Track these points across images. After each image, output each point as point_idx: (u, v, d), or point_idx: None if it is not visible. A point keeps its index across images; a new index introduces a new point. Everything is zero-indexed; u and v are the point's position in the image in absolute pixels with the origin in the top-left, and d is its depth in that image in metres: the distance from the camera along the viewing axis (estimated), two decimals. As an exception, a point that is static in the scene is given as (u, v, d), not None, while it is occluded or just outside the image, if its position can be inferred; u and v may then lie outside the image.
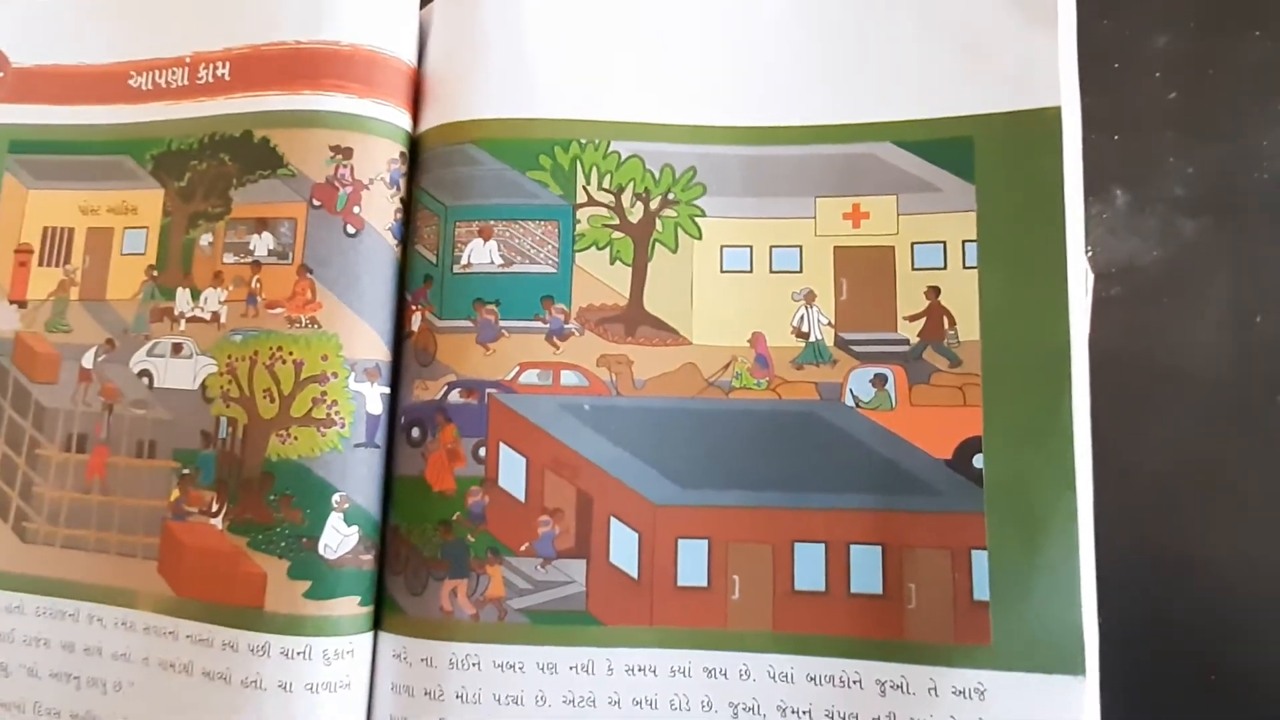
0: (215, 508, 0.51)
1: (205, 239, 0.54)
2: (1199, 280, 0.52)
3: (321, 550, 0.49)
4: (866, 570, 0.47)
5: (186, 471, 0.52)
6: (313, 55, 0.53)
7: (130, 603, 0.52)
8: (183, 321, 0.54)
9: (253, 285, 0.53)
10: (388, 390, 0.52)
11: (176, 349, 0.54)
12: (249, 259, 0.53)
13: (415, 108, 0.55)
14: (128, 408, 0.54)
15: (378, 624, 0.50)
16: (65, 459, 0.54)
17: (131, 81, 0.56)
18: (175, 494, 0.52)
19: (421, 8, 0.55)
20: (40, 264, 0.56)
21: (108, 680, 0.51)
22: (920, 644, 0.46)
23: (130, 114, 0.56)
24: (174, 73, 0.56)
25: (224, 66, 0.55)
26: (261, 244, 0.53)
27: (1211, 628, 0.50)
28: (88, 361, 0.55)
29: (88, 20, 0.58)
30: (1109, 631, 0.46)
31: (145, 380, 0.54)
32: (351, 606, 0.49)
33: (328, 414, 0.50)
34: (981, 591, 0.46)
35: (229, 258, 0.53)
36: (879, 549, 0.47)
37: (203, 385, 0.53)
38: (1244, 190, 0.53)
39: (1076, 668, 0.44)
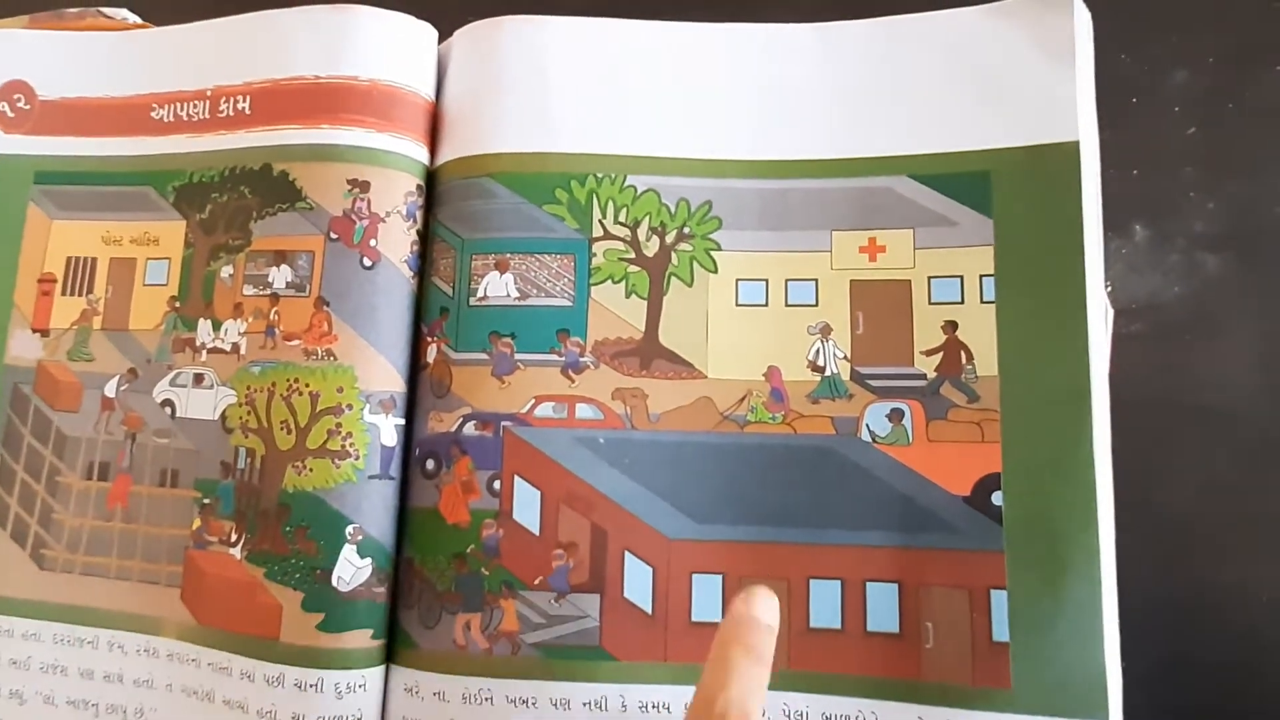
0: (234, 538, 0.49)
1: (226, 270, 0.52)
2: (1222, 316, 0.50)
3: (335, 582, 0.47)
4: (883, 608, 0.45)
5: (207, 501, 0.50)
6: (332, 90, 0.51)
7: (154, 630, 0.50)
8: (204, 352, 0.52)
9: (271, 317, 0.51)
10: (402, 422, 0.50)
11: (198, 379, 0.52)
12: (268, 291, 0.51)
13: (432, 141, 0.53)
14: (150, 437, 0.52)
15: (389, 657, 0.48)
16: (86, 487, 0.52)
17: (153, 113, 0.55)
18: (197, 523, 0.50)
19: (440, 43, 0.53)
20: (63, 293, 0.54)
21: (129, 706, 0.49)
22: (938, 685, 0.43)
23: (152, 146, 0.55)
24: (195, 105, 0.54)
25: (244, 100, 0.53)
26: (280, 276, 0.51)
27: (1237, 671, 0.47)
28: (110, 390, 0.53)
29: (111, 53, 0.56)
30: (1132, 675, 0.43)
31: (168, 410, 0.52)
32: (364, 639, 0.47)
33: (343, 445, 0.48)
34: (1001, 632, 0.43)
35: (248, 289, 0.52)
36: (896, 587, 0.45)
37: (223, 416, 0.51)
38: (1266, 225, 0.50)
39: (1099, 712, 0.42)
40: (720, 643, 0.38)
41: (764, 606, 0.39)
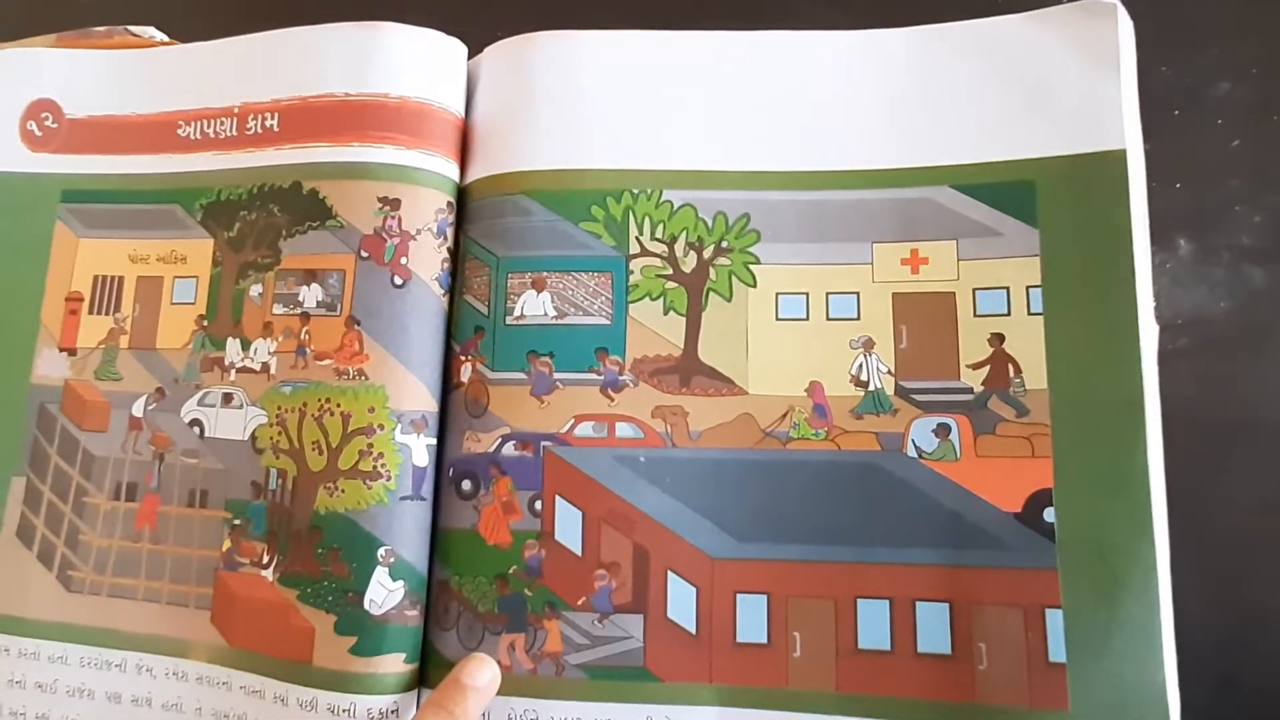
0: (266, 559, 0.46)
1: (255, 289, 0.49)
2: (1271, 331, 0.47)
3: (367, 605, 0.44)
4: (934, 628, 0.42)
5: (238, 522, 0.47)
6: (361, 107, 0.49)
7: (183, 653, 0.47)
8: (233, 372, 0.49)
9: (302, 336, 0.48)
10: (434, 442, 0.47)
11: (227, 399, 0.49)
12: (298, 310, 0.48)
13: (462, 157, 0.50)
14: (179, 457, 0.49)
15: (422, 680, 0.45)
16: (114, 507, 0.49)
17: (180, 131, 0.52)
18: (227, 544, 0.47)
19: (470, 59, 0.51)
20: (90, 312, 0.52)
21: (157, 730, 0.47)
22: (993, 707, 0.40)
23: (179, 163, 0.52)
24: (223, 123, 0.51)
25: (273, 117, 0.50)
26: (310, 295, 0.48)
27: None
28: (138, 410, 0.50)
29: (138, 71, 0.53)
30: (1186, 699, 0.40)
31: (196, 430, 0.49)
32: (397, 664, 0.44)
33: (374, 466, 0.45)
34: (1057, 652, 0.40)
35: (278, 308, 0.49)
36: (946, 606, 0.42)
37: (253, 436, 0.48)
38: (1316, 237, 0.48)
39: (1162, 734, 0.39)
40: (424, 704, 0.42)
41: (469, 671, 0.43)
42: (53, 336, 0.51)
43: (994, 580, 0.41)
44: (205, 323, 0.50)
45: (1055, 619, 0.40)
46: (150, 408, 0.50)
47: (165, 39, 0.55)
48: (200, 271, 0.51)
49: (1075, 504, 0.41)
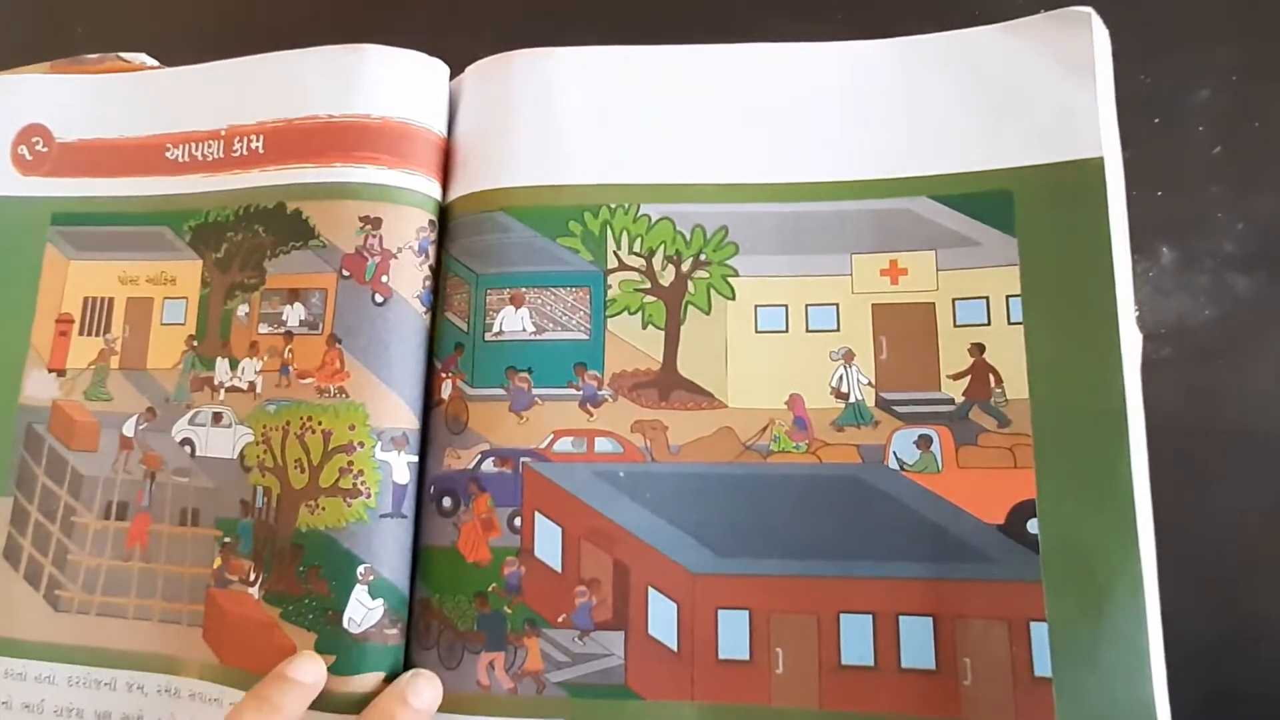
0: (253, 577, 0.44)
1: (242, 309, 0.47)
2: (1255, 338, 0.44)
3: (346, 624, 0.42)
4: (917, 643, 0.39)
5: (228, 540, 0.45)
6: (344, 129, 0.47)
7: (174, 670, 0.45)
8: (222, 391, 0.47)
9: (285, 355, 0.46)
10: (415, 459, 0.44)
11: (217, 418, 0.47)
12: (282, 329, 0.46)
13: (444, 176, 0.48)
14: (170, 476, 0.47)
15: (405, 700, 0.43)
16: (104, 527, 0.47)
17: (168, 154, 0.50)
18: (218, 562, 0.45)
19: (451, 79, 0.49)
20: (81, 333, 0.49)
21: (147, 747, 0.44)
22: (980, 724, 0.38)
23: (167, 185, 0.50)
24: (209, 145, 0.49)
25: (258, 139, 0.48)
26: (293, 314, 0.46)
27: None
28: (129, 430, 0.48)
29: (127, 95, 0.51)
30: (1176, 709, 0.37)
31: (187, 449, 0.47)
32: (376, 683, 0.42)
33: (354, 484, 0.43)
34: (1043, 667, 0.37)
35: (263, 328, 0.47)
36: (930, 620, 0.39)
37: (241, 454, 0.46)
38: (1300, 243, 0.45)
39: (1151, 750, 0.36)
40: (246, 695, 0.40)
41: (295, 665, 0.41)
42: (42, 358, 0.49)
43: (978, 593, 0.39)
44: (195, 343, 0.48)
45: (1040, 632, 0.38)
46: (141, 427, 0.48)
47: (155, 64, 0.53)
48: (189, 292, 0.49)
49: (1059, 515, 0.39)
